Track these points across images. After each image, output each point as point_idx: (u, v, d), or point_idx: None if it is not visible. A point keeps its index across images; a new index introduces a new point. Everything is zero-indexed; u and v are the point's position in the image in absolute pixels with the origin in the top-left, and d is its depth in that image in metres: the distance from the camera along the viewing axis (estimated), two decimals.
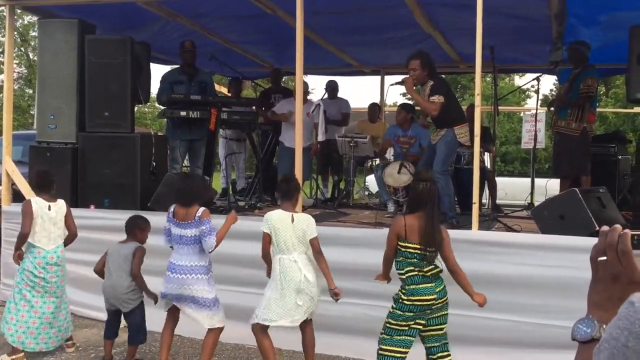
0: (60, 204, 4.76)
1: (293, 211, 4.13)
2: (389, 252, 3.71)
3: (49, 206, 4.67)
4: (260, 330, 4.02)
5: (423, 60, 5.67)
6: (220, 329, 4.23)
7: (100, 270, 4.59)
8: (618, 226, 1.01)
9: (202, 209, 4.14)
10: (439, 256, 3.66)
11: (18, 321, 4.58)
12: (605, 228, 1.02)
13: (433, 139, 5.93)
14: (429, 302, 3.54)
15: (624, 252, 0.98)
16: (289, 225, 4.01)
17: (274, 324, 3.99)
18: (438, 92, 5.62)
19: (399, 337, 3.58)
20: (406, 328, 3.58)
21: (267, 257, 4.15)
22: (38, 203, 4.64)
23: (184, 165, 7.53)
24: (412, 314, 3.55)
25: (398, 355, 3.58)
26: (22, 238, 4.61)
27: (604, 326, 0.98)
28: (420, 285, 3.55)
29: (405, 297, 3.56)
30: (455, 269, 3.62)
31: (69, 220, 4.79)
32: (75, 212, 5.79)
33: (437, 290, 3.56)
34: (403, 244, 3.62)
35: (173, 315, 4.32)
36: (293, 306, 3.96)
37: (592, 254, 1.03)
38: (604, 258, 1.01)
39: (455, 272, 3.62)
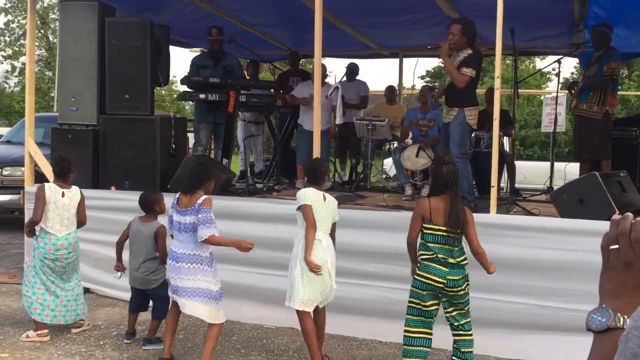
0: (75, 191, 4.81)
1: (323, 190, 4.20)
2: (414, 234, 3.73)
3: (63, 193, 4.72)
4: (306, 314, 4.04)
5: (465, 27, 5.49)
6: (222, 324, 4.14)
7: (121, 244, 4.70)
8: (630, 214, 1.00)
9: (204, 197, 4.02)
10: (464, 245, 3.72)
11: (35, 293, 4.71)
12: (616, 216, 1.01)
13: (445, 117, 5.84)
14: (437, 284, 3.59)
15: (638, 239, 0.97)
16: (322, 203, 4.08)
17: (310, 307, 4.02)
18: (472, 65, 5.46)
19: (418, 318, 3.70)
20: (423, 308, 3.67)
21: (311, 231, 4.00)
22: (52, 189, 4.70)
23: (207, 147, 7.62)
24: (422, 291, 3.64)
25: (419, 336, 3.70)
26: (32, 224, 4.70)
27: (619, 314, 0.97)
28: (432, 264, 3.63)
29: (418, 272, 3.68)
30: (479, 250, 3.68)
31: (81, 208, 4.84)
32: (96, 193, 5.91)
33: (449, 277, 3.59)
34: (428, 226, 3.67)
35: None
36: (319, 282, 3.99)
37: (604, 242, 1.02)
38: (616, 246, 1.00)
39: (478, 253, 3.68)
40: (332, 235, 4.19)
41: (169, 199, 4.96)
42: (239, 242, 4.08)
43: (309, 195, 4.05)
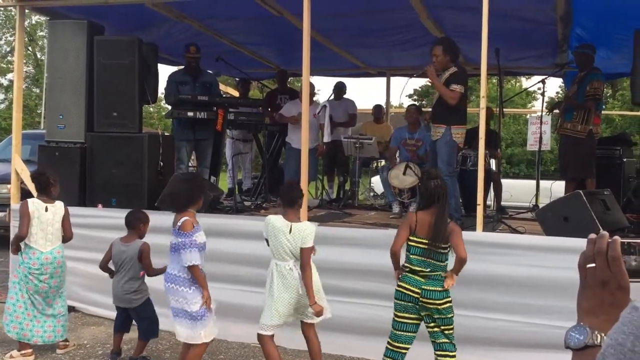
0: (58, 206, 4.77)
1: (295, 220, 4.04)
2: (398, 244, 3.76)
3: (46, 207, 4.69)
4: (266, 339, 3.99)
5: (446, 46, 5.65)
6: (205, 345, 4.03)
7: (105, 267, 4.64)
8: (605, 233, 1.03)
9: (184, 219, 3.92)
10: (449, 257, 3.76)
11: (15, 311, 4.65)
12: (592, 236, 1.04)
13: (433, 135, 5.91)
14: (413, 294, 3.67)
15: (614, 258, 1.00)
16: (286, 234, 3.95)
17: (272, 324, 3.96)
18: (459, 81, 5.58)
19: (399, 332, 3.78)
20: (404, 321, 3.75)
21: None
22: (35, 204, 4.68)
23: (190, 165, 7.58)
24: (400, 302, 3.73)
25: (397, 350, 3.78)
26: (18, 239, 4.67)
27: (596, 332, 0.99)
28: (409, 275, 3.72)
29: (398, 283, 3.78)
30: (463, 256, 3.66)
31: (66, 223, 4.79)
32: (83, 211, 5.88)
33: (424, 287, 3.66)
34: (411, 238, 3.75)
35: None
36: (289, 310, 3.95)
37: (581, 261, 1.05)
38: (593, 265, 1.02)
39: (462, 259, 3.67)
40: (305, 262, 3.94)
41: (155, 217, 4.97)
42: (208, 294, 3.96)
43: (267, 224, 4.02)
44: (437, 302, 3.66)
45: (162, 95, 8.43)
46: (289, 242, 3.94)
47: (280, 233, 3.96)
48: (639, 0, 5.27)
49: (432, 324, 3.74)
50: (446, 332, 3.72)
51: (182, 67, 7.71)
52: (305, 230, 3.98)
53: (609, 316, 0.97)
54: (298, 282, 3.94)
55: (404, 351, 3.78)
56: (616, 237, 1.02)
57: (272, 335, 4.01)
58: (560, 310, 4.31)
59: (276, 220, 4.02)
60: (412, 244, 3.75)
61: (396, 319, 3.77)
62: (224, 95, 9.01)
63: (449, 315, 3.71)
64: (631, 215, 5.68)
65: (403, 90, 8.01)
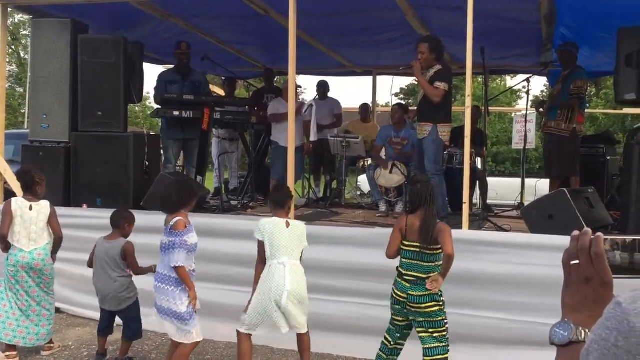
0: (43, 205, 4.69)
1: (287, 218, 4.10)
2: (391, 249, 3.81)
3: (30, 206, 4.62)
4: (242, 334, 3.99)
5: (432, 44, 5.68)
6: (194, 344, 4.01)
7: (91, 266, 4.59)
8: (589, 230, 1.04)
9: (176, 219, 3.91)
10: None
11: None
12: (575, 233, 1.05)
13: (419, 133, 5.93)
14: (400, 299, 3.73)
15: (597, 254, 1.01)
16: (285, 229, 3.98)
17: (251, 331, 3.96)
18: (443, 79, 5.61)
19: (389, 327, 3.89)
20: (396, 322, 3.83)
21: (258, 267, 4.04)
22: (19, 203, 4.62)
23: (177, 165, 7.55)
24: (393, 305, 3.81)
25: (385, 342, 3.90)
26: (0, 238, 4.59)
27: (580, 328, 1.00)
28: (398, 279, 3.80)
29: (392, 289, 3.84)
30: (449, 253, 3.62)
31: (53, 222, 4.69)
32: (67, 211, 5.83)
33: (410, 292, 3.70)
34: (404, 242, 3.80)
35: None
36: (270, 311, 3.88)
37: (565, 258, 1.05)
38: (577, 262, 1.03)
39: (448, 256, 3.64)
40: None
41: (141, 217, 4.94)
42: (194, 294, 3.94)
43: (262, 227, 4.00)
44: (422, 305, 3.68)
45: (148, 95, 8.38)
46: (289, 235, 3.98)
47: (276, 229, 3.97)
48: (621, 0, 5.32)
49: (420, 329, 3.76)
50: (436, 335, 3.72)
51: (172, 66, 7.67)
52: (303, 227, 4.11)
53: (593, 312, 0.98)
54: (284, 279, 3.88)
55: (399, 347, 3.88)
56: (599, 233, 1.03)
57: (248, 334, 3.99)
58: (545, 307, 4.34)
59: (270, 220, 4.05)
60: (405, 247, 3.79)
61: (396, 322, 3.86)
62: (211, 94, 8.98)
63: (438, 319, 3.72)
64: (615, 213, 5.73)
65: (392, 87, 8.01)
